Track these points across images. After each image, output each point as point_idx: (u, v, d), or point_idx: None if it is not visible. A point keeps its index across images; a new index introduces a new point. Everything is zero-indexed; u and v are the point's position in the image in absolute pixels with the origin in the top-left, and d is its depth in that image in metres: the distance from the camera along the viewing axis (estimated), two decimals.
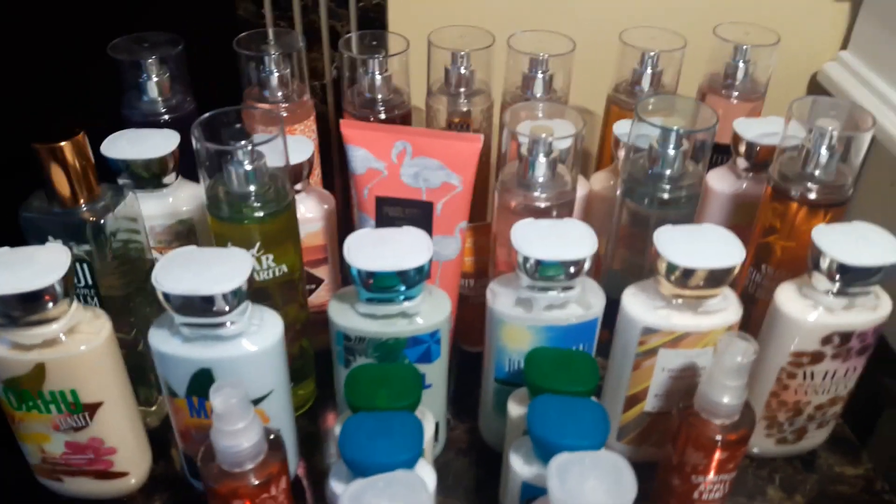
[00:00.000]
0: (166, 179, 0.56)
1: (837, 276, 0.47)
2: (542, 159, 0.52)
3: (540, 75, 0.63)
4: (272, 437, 0.44)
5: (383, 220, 0.53)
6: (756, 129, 0.60)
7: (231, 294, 0.43)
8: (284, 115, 0.61)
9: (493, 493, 0.53)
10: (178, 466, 0.55)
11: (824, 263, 0.47)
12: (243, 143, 0.48)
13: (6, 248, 0.45)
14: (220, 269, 0.44)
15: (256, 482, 0.42)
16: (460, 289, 0.61)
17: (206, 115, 0.49)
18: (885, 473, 0.56)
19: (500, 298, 0.50)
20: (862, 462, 0.56)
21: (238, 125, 0.51)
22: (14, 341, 0.45)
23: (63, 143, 0.47)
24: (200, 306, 0.43)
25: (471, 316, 0.63)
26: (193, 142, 0.48)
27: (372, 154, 0.51)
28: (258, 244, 0.49)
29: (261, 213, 0.49)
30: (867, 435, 0.59)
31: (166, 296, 0.43)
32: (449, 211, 0.53)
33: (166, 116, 0.61)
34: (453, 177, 0.52)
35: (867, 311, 0.49)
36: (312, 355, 0.58)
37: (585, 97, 0.70)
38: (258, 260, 0.50)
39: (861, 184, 0.69)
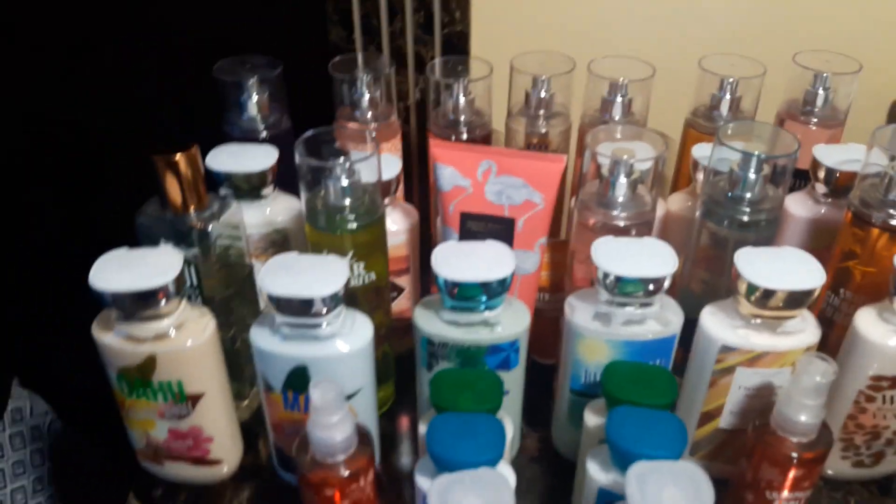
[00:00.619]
0: (264, 191, 0.61)
1: None
2: (622, 179, 0.54)
3: (619, 99, 0.65)
4: (362, 431, 0.46)
5: (466, 234, 0.56)
6: (835, 156, 0.61)
7: (329, 297, 0.46)
8: (374, 134, 0.65)
9: (564, 499, 0.54)
10: (263, 458, 0.58)
11: None
12: (342, 159, 0.51)
13: (124, 249, 0.50)
14: (319, 274, 0.47)
15: (346, 473, 0.44)
16: (536, 302, 0.63)
17: (308, 133, 0.53)
18: None
19: (579, 312, 0.51)
20: None
21: (335, 143, 0.54)
22: (129, 334, 0.49)
23: (178, 155, 0.52)
24: (300, 308, 0.47)
25: (544, 329, 0.64)
26: (296, 157, 0.52)
27: (459, 172, 0.54)
28: (351, 253, 0.53)
29: (354, 225, 0.52)
30: None
31: (271, 297, 0.47)
32: (529, 227, 0.55)
33: (264, 133, 0.65)
34: (535, 195, 0.54)
35: None
36: (393, 359, 0.61)
37: (662, 121, 0.72)
38: (350, 267, 0.53)
39: None
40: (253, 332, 0.49)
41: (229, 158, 0.60)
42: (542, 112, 0.67)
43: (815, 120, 0.67)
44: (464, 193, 0.55)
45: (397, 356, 0.62)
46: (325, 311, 0.47)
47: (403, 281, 0.63)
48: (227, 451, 0.56)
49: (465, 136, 0.65)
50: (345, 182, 0.51)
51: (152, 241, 0.54)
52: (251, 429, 0.59)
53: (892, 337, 0.49)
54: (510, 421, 0.50)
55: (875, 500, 0.55)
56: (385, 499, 0.56)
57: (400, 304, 0.64)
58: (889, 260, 0.49)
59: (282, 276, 0.47)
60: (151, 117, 0.76)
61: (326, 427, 0.43)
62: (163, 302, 0.48)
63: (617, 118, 0.66)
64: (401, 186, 0.69)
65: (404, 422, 0.62)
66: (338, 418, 0.44)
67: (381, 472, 0.57)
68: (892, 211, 0.52)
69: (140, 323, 0.48)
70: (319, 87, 0.68)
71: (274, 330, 0.49)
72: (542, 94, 0.66)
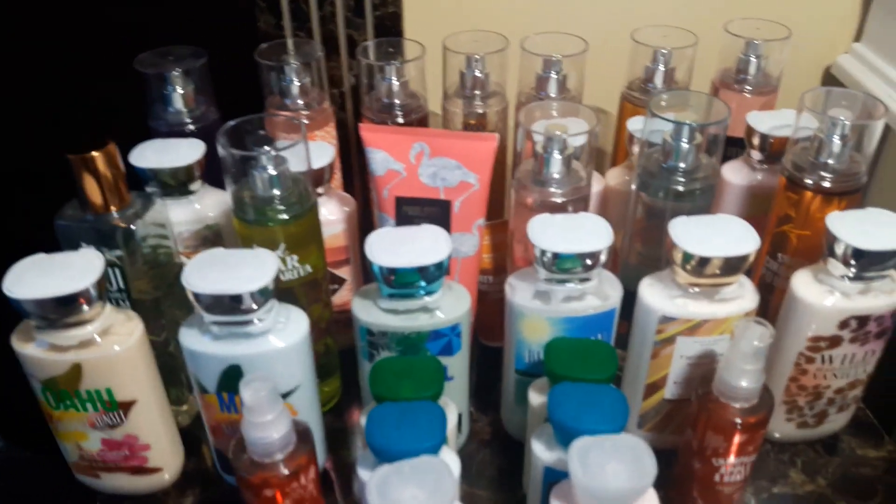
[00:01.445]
0: (192, 186, 0.58)
1: (853, 262, 0.48)
2: (556, 156, 0.53)
3: (553, 76, 0.65)
4: (301, 429, 0.45)
5: (403, 220, 0.55)
6: (769, 122, 0.61)
7: (258, 293, 0.45)
8: (305, 122, 0.63)
9: (517, 480, 0.53)
10: (209, 462, 0.57)
11: (839, 249, 0.48)
12: (267, 148, 0.49)
13: (42, 255, 0.47)
14: (247, 269, 0.46)
15: (286, 472, 0.43)
16: (479, 285, 0.62)
17: (231, 122, 0.51)
18: None
19: (519, 292, 0.51)
20: (884, 444, 0.56)
21: (261, 132, 0.52)
22: (52, 343, 0.47)
23: (95, 154, 0.49)
24: (229, 305, 0.45)
25: (491, 312, 0.64)
26: (219, 148, 0.50)
27: (391, 156, 0.53)
28: (283, 245, 0.51)
29: (285, 216, 0.50)
30: (889, 417, 0.59)
31: (196, 296, 0.45)
32: (466, 209, 0.54)
33: (191, 127, 0.63)
34: (470, 175, 0.53)
35: (884, 296, 0.49)
36: (337, 353, 0.60)
37: (599, 96, 0.71)
38: (283, 260, 0.51)
39: (876, 173, 0.69)
40: (182, 334, 0.48)
41: (154, 154, 0.58)
42: (478, 92, 0.65)
43: (749, 88, 0.67)
44: (398, 178, 0.53)
45: (343, 349, 0.60)
46: (255, 306, 0.45)
47: (344, 272, 0.61)
48: (166, 459, 0.54)
49: (400, 120, 0.64)
50: (272, 172, 0.50)
51: (74, 245, 0.51)
52: (193, 433, 0.58)
53: (827, 297, 0.49)
54: (455, 406, 0.50)
55: (821, 459, 0.56)
56: (333, 495, 0.55)
57: (342, 296, 0.62)
58: (822, 222, 0.50)
59: (207, 273, 0.45)
60: (70, 114, 0.73)
61: (261, 426, 0.42)
62: (85, 307, 0.46)
63: (553, 95, 0.65)
64: (337, 175, 0.68)
65: (354, 416, 0.61)
66: (273, 416, 0.42)
67: (329, 468, 0.56)
68: (823, 173, 0.53)
69: (62, 331, 0.46)
70: (249, 77, 0.66)
71: (203, 330, 0.47)
72: (477, 74, 0.65)
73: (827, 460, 0.55)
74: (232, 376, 0.47)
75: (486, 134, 0.53)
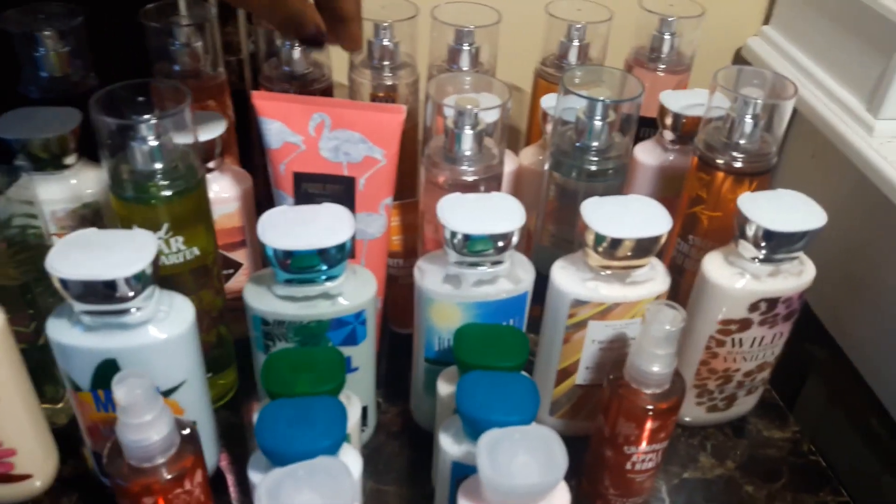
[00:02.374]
0: (67, 160, 0.52)
1: (763, 243, 0.47)
2: (468, 132, 0.50)
3: (466, 48, 0.62)
4: (186, 429, 0.41)
5: (303, 198, 0.51)
6: (682, 101, 0.60)
7: (134, 278, 0.40)
8: (194, 91, 0.58)
9: (427, 474, 0.51)
10: (89, 466, 0.51)
11: (750, 231, 0.47)
12: (147, 117, 0.44)
13: None
14: (123, 251, 0.41)
15: (169, 477, 0.39)
16: (389, 269, 0.59)
17: (106, 88, 0.45)
18: (810, 436, 0.57)
19: (429, 276, 0.48)
20: (789, 425, 0.57)
21: (142, 99, 0.47)
22: None
23: None
24: (102, 292, 0.40)
25: (402, 297, 0.61)
26: (92, 118, 0.44)
27: (288, 127, 0.48)
28: (166, 226, 0.46)
29: (168, 192, 0.45)
30: (793, 399, 0.60)
31: (63, 282, 0.40)
32: (372, 186, 0.51)
33: (66, 93, 0.57)
34: (376, 150, 0.49)
35: (792, 277, 0.49)
36: (232, 343, 0.56)
37: (513, 73, 0.69)
38: (166, 242, 0.47)
39: (784, 156, 0.70)
40: (50, 325, 0.42)
41: (23, 123, 0.52)
42: (387, 63, 0.62)
43: (663, 66, 0.66)
44: (296, 151, 0.49)
45: (241, 340, 0.56)
46: (131, 294, 0.40)
47: (240, 256, 0.57)
48: (37, 464, 0.48)
49: (301, 92, 0.59)
50: (153, 143, 0.45)
51: None
52: (71, 434, 0.52)
53: (737, 280, 0.49)
54: (359, 401, 0.46)
55: (730, 441, 0.56)
56: (229, 497, 0.51)
57: (239, 282, 0.57)
58: (734, 203, 0.49)
59: (76, 257, 0.40)
60: None
61: (138, 428, 0.38)
62: None
63: (465, 68, 0.62)
64: (234, 150, 0.63)
65: (253, 410, 0.57)
66: (151, 417, 0.38)
67: (224, 468, 0.52)
68: (735, 153, 0.52)
69: None
70: (133, 40, 0.60)
71: (74, 320, 0.42)
72: (386, 43, 0.61)
73: (735, 443, 0.56)
74: (107, 372, 0.42)
75: (392, 105, 0.50)
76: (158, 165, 0.45)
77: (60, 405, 0.54)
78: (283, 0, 0.42)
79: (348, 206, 0.49)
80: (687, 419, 0.56)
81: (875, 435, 0.59)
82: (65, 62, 0.57)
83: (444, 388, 0.46)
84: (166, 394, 0.44)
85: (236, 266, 0.57)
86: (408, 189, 0.69)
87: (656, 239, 0.46)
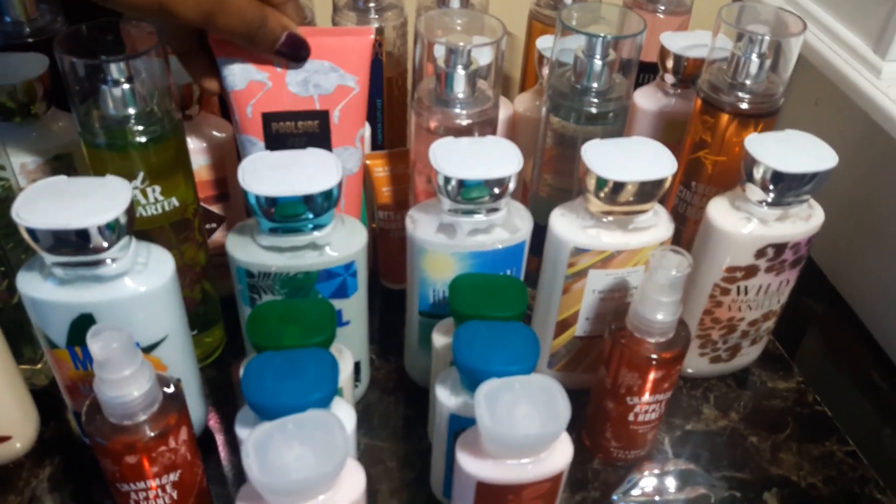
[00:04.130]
0: (35, 109, 0.49)
1: (771, 186, 0.45)
2: (460, 72, 0.47)
3: None
4: (169, 385, 0.39)
5: (274, 141, 0.47)
6: (683, 42, 0.58)
7: (107, 227, 0.37)
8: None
9: (422, 430, 0.49)
10: (73, 427, 0.49)
11: (758, 173, 0.45)
12: (116, 57, 0.41)
13: None
14: (95, 200, 0.38)
15: (152, 434, 0.37)
16: (379, 222, 0.57)
17: (73, 27, 0.42)
18: (814, 385, 0.55)
19: (421, 226, 0.46)
20: (794, 376, 0.56)
21: (111, 38, 0.44)
22: None
23: None
24: (74, 243, 0.37)
25: (393, 251, 0.59)
26: (58, 59, 0.41)
27: (251, 64, 0.45)
28: (142, 174, 0.43)
29: (143, 139, 0.43)
30: (793, 351, 0.58)
31: (31, 232, 0.37)
32: (347, 118, 0.47)
33: (32, 39, 0.53)
34: (348, 77, 0.46)
35: (801, 222, 0.47)
36: (218, 300, 0.53)
37: (506, 18, 0.66)
38: (143, 193, 0.44)
39: (785, 103, 0.68)
40: (20, 279, 0.40)
41: None
42: (372, 4, 0.59)
43: (662, 8, 0.63)
44: (263, 90, 0.45)
45: (228, 296, 0.53)
46: (105, 244, 0.38)
47: (222, 209, 0.54)
48: (16, 425, 0.46)
49: None
50: (125, 86, 0.42)
51: None
52: (53, 395, 0.50)
53: (744, 225, 0.47)
54: (351, 354, 0.44)
55: (732, 393, 0.54)
56: (218, 456, 0.49)
57: (222, 237, 0.55)
58: (739, 146, 0.47)
59: (45, 206, 0.37)
60: None
61: (117, 384, 0.36)
62: None
63: (455, 8, 0.59)
64: (213, 98, 0.60)
65: (238, 369, 0.55)
66: (130, 371, 0.36)
67: (213, 427, 0.50)
68: (740, 94, 0.50)
69: None
70: None
71: (46, 274, 0.39)
72: None
73: (738, 394, 0.54)
74: (84, 327, 0.39)
75: (358, 28, 0.46)
76: (132, 110, 0.42)
77: (39, 366, 0.52)
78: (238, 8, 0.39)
79: (324, 142, 0.46)
80: (689, 370, 0.54)
81: (876, 387, 0.58)
82: (30, 6, 0.54)
83: (440, 339, 0.45)
84: (147, 350, 0.42)
85: (219, 220, 0.55)
86: (398, 140, 0.67)
87: (661, 182, 0.43)
